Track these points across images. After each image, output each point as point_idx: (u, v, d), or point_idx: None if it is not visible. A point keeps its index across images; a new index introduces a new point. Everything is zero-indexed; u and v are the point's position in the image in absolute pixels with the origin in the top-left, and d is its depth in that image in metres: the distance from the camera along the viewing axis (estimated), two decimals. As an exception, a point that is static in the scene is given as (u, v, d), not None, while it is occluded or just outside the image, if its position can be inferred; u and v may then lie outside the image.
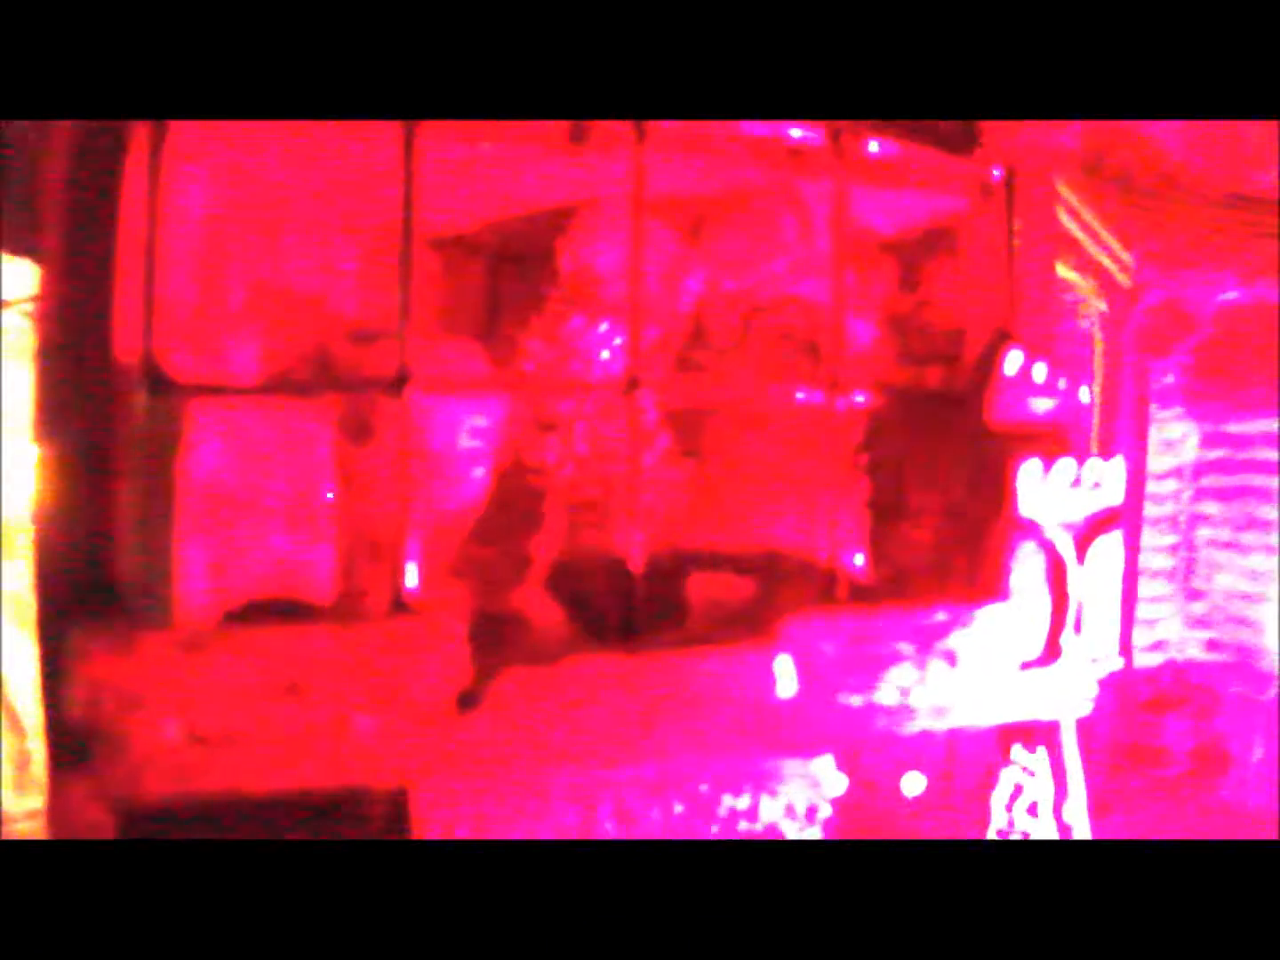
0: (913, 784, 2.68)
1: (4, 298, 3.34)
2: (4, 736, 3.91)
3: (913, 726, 2.53)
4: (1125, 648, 4.34)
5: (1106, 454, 4.29)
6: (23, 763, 3.94)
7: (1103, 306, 4.18)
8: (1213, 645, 4.70)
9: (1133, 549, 4.38)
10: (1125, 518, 4.24)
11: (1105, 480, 2.70)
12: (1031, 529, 2.63)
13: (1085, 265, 4.04)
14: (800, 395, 2.67)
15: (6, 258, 2.83)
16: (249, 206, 2.62)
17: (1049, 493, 2.64)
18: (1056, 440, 2.72)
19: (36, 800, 3.57)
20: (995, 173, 2.79)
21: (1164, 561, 4.72)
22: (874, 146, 2.65)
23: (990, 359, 2.72)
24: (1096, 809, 4.08)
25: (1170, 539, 4.72)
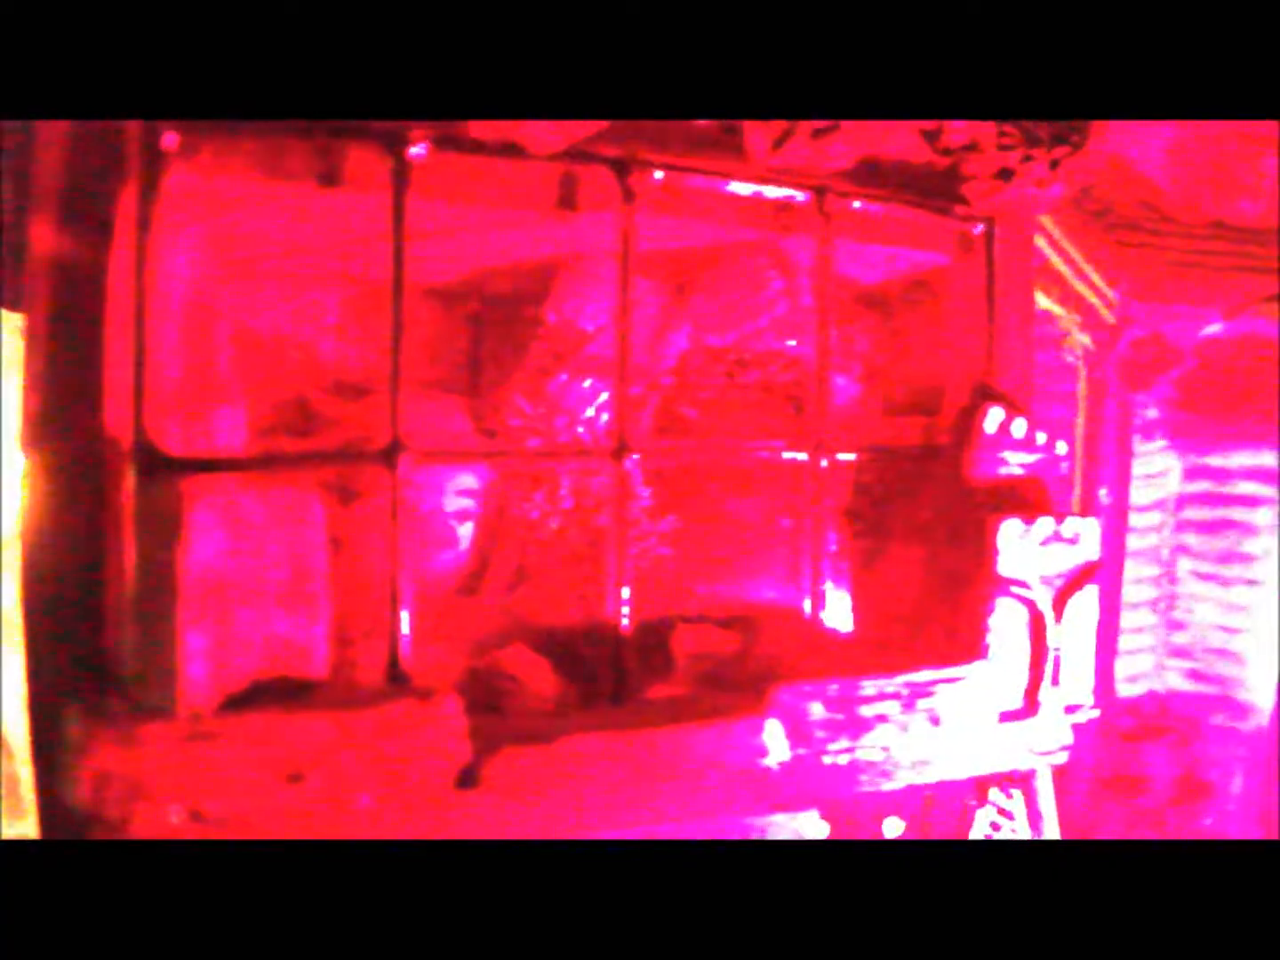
0: (892, 827, 2.74)
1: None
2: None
3: (895, 781, 2.60)
4: (1107, 679, 4.40)
5: (1090, 489, 4.38)
6: (11, 786, 3.85)
7: (1086, 341, 4.21)
8: (1194, 675, 4.75)
9: (1116, 582, 4.44)
10: (1107, 553, 4.33)
11: (1082, 536, 2.75)
12: (1011, 585, 2.67)
13: (1068, 299, 4.08)
14: (784, 454, 2.69)
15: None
16: (235, 266, 2.63)
17: (1028, 549, 2.68)
18: (1035, 496, 2.76)
19: (27, 826, 3.53)
20: (976, 228, 2.82)
21: (1146, 593, 4.77)
22: (856, 203, 2.68)
23: (970, 415, 2.76)
24: (1078, 838, 4.15)
25: (1153, 570, 4.77)
